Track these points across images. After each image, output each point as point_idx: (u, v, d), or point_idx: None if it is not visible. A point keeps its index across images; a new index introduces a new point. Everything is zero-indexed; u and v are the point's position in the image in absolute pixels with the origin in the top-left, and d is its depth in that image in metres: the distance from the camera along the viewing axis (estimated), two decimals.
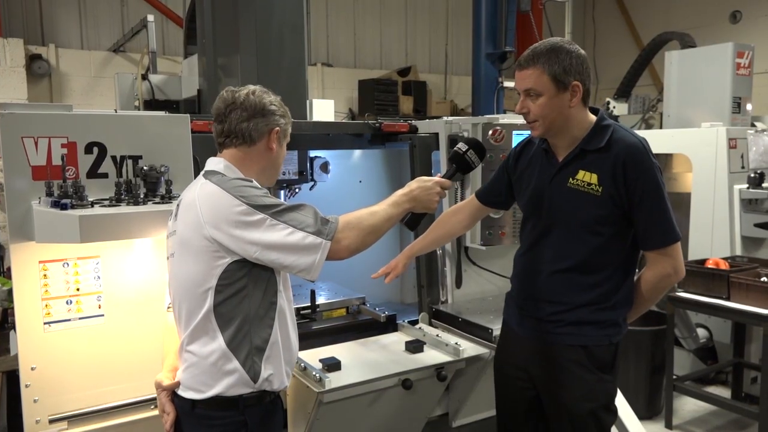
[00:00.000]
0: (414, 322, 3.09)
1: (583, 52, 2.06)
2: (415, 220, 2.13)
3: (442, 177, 2.13)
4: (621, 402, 3.14)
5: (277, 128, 1.94)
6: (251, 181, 1.86)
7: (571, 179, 2.09)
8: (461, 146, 2.22)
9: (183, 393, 1.86)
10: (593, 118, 2.12)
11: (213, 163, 1.93)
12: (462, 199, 3.17)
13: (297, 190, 3.33)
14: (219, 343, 1.80)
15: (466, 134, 3.13)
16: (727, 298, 3.73)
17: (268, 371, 1.84)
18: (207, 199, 1.79)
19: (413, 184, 2.04)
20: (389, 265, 2.63)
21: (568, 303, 2.12)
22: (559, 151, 2.15)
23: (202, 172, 1.93)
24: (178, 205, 1.93)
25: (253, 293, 1.82)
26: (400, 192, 2.01)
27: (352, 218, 1.86)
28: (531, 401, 2.26)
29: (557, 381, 2.16)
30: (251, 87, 1.97)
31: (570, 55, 2.01)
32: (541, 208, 2.18)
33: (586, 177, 2.06)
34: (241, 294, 1.80)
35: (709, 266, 3.95)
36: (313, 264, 1.77)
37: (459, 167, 2.22)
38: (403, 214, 2.01)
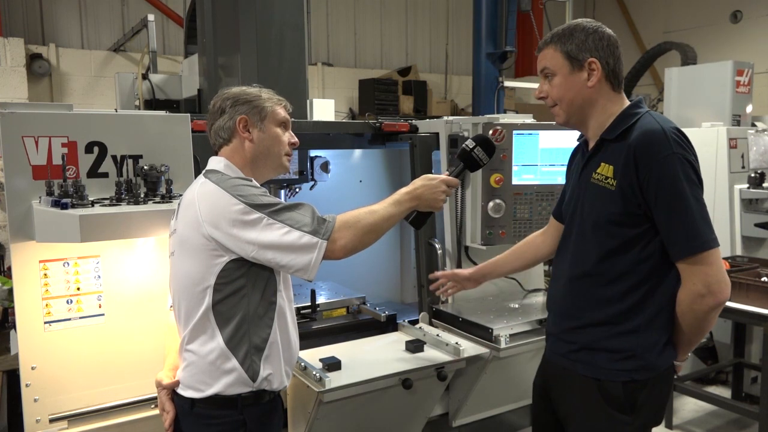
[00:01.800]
0: (414, 322, 3.09)
1: (607, 32, 1.90)
2: (420, 219, 2.05)
3: (449, 175, 2.05)
4: None
5: (241, 116, 1.90)
6: (250, 181, 1.86)
7: (594, 173, 1.88)
8: (469, 143, 2.14)
9: (182, 392, 1.87)
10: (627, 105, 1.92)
11: (214, 162, 1.94)
12: (462, 198, 3.18)
13: (297, 189, 3.33)
14: (218, 341, 1.81)
15: (466, 134, 3.13)
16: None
17: (266, 371, 1.84)
18: (206, 197, 1.79)
19: (418, 182, 1.99)
20: (452, 273, 2.53)
21: (580, 317, 1.91)
22: (590, 144, 1.97)
23: (203, 171, 1.93)
24: (179, 204, 1.93)
25: (252, 292, 1.82)
26: (403, 190, 1.96)
27: (350, 217, 1.84)
28: (558, 424, 2.06)
29: (568, 410, 2.00)
30: (219, 92, 1.99)
31: (586, 31, 1.88)
32: (570, 206, 2.02)
33: (604, 170, 1.84)
34: (240, 293, 1.80)
35: None
36: (309, 264, 1.76)
37: (466, 165, 2.14)
38: (405, 213, 1.96)
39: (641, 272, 1.82)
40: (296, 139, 2.03)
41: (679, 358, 1.94)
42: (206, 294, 1.80)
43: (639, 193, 1.76)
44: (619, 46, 1.92)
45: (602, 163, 1.86)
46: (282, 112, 1.98)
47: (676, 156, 1.73)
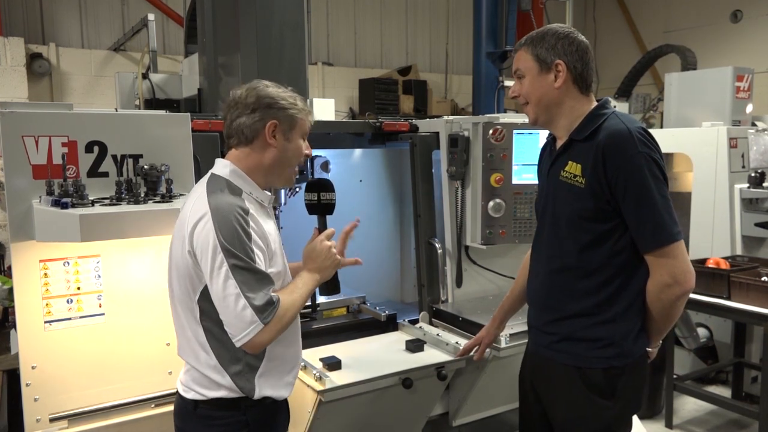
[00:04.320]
0: (414, 321, 3.09)
1: (579, 38, 1.98)
2: (332, 284, 2.05)
3: (319, 230, 2.04)
4: None
5: (273, 121, 1.83)
6: (246, 213, 1.76)
7: (562, 171, 1.97)
8: (311, 197, 2.12)
9: (185, 394, 1.87)
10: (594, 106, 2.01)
11: (220, 167, 1.88)
12: (462, 198, 3.18)
13: (297, 189, 3.33)
14: (211, 358, 1.80)
15: (466, 133, 3.13)
16: (728, 298, 3.73)
17: (261, 387, 1.83)
18: (195, 215, 1.75)
19: (306, 260, 1.94)
20: (477, 337, 2.51)
21: (560, 310, 2.00)
22: (558, 143, 2.06)
23: (208, 175, 1.87)
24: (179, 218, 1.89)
25: None
26: (303, 273, 1.91)
27: (280, 311, 1.74)
28: (544, 415, 2.14)
29: (552, 400, 2.08)
30: (252, 83, 1.90)
31: (557, 36, 1.96)
32: (540, 203, 2.13)
33: (572, 168, 1.93)
34: None
35: (710, 266, 3.95)
36: (237, 336, 1.70)
37: (323, 212, 2.13)
38: (314, 289, 1.93)
39: (615, 265, 1.91)
40: (310, 150, 1.98)
41: (652, 345, 2.03)
42: (195, 311, 1.79)
43: (608, 190, 1.86)
44: (589, 52, 2.01)
45: (570, 162, 1.95)
46: (308, 124, 1.94)
47: (642, 155, 1.83)
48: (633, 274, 1.92)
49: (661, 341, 2.08)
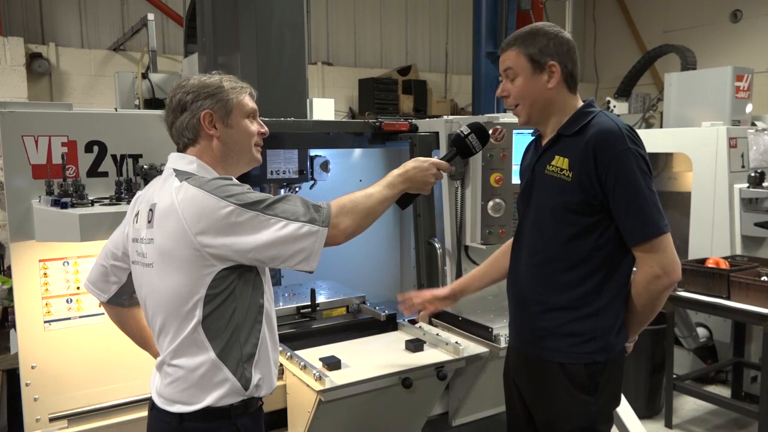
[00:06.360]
0: (414, 321, 3.09)
1: (566, 36, 2.00)
2: (406, 201, 2.06)
3: (441, 159, 2.07)
4: (621, 405, 3.14)
5: (206, 111, 1.75)
6: (231, 179, 1.74)
7: (548, 165, 1.99)
8: (464, 129, 2.16)
9: (168, 407, 1.74)
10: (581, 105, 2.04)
11: (183, 163, 1.79)
12: (462, 198, 3.17)
13: (297, 189, 3.33)
14: (208, 354, 1.71)
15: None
16: (727, 298, 3.73)
17: (257, 376, 1.77)
18: (190, 204, 1.66)
19: (409, 164, 1.98)
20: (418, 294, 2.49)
21: (543, 303, 2.01)
22: (544, 140, 2.09)
23: (173, 172, 1.77)
24: (151, 210, 1.76)
25: (241, 298, 1.74)
26: (396, 172, 1.96)
27: (347, 202, 1.80)
28: (529, 412, 2.14)
29: (535, 396, 2.08)
30: (174, 83, 1.84)
31: (548, 36, 1.97)
32: (524, 197, 2.14)
33: (559, 162, 1.96)
34: (230, 300, 1.72)
35: (710, 265, 3.96)
36: (311, 253, 1.70)
37: (459, 151, 2.17)
38: (398, 195, 1.95)
39: (598, 258, 1.94)
40: (266, 129, 1.89)
41: (631, 338, 2.05)
42: (196, 308, 1.69)
43: (597, 184, 1.88)
44: (576, 51, 2.02)
45: (556, 156, 1.98)
46: (249, 102, 1.85)
47: (631, 151, 1.86)
48: (616, 269, 1.95)
49: (637, 336, 2.10)
